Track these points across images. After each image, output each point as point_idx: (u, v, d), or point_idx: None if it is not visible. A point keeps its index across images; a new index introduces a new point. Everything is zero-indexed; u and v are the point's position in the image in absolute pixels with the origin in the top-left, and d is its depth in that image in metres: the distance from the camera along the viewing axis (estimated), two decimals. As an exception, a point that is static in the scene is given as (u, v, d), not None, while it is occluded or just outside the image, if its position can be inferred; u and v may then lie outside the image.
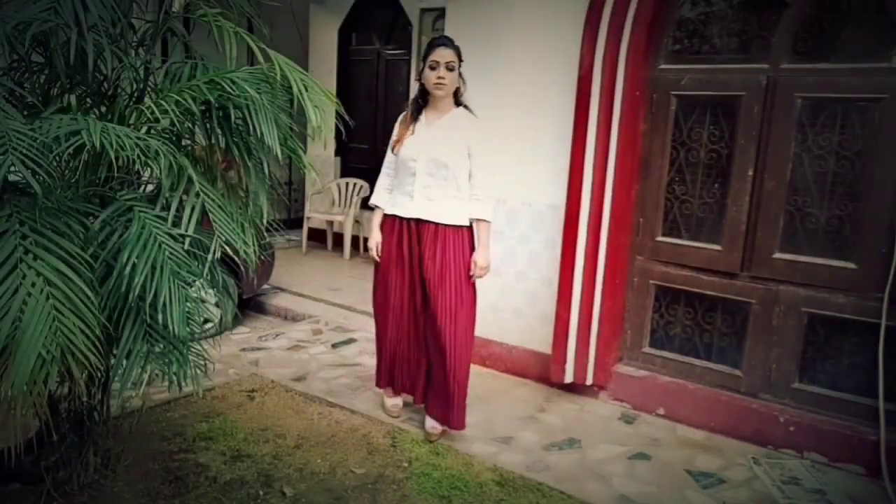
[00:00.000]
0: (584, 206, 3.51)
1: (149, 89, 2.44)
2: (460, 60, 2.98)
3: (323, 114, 2.30)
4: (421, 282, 3.05)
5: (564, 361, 3.63)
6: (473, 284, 3.05)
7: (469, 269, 3.00)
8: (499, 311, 3.98)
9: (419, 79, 3.03)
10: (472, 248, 3.04)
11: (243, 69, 2.29)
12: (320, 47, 7.32)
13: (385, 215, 3.14)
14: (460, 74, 3.01)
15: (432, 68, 2.94)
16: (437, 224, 2.99)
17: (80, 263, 1.95)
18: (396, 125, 3.12)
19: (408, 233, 3.05)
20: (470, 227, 3.04)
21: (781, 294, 3.24)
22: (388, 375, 3.29)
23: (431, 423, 3.15)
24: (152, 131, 2.34)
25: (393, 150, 3.09)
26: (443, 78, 2.93)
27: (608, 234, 3.56)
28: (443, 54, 2.93)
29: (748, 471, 3.01)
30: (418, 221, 3.02)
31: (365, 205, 6.67)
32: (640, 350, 3.71)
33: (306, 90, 2.25)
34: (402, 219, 3.06)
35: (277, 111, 2.28)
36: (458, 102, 3.06)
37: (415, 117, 3.06)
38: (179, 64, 2.44)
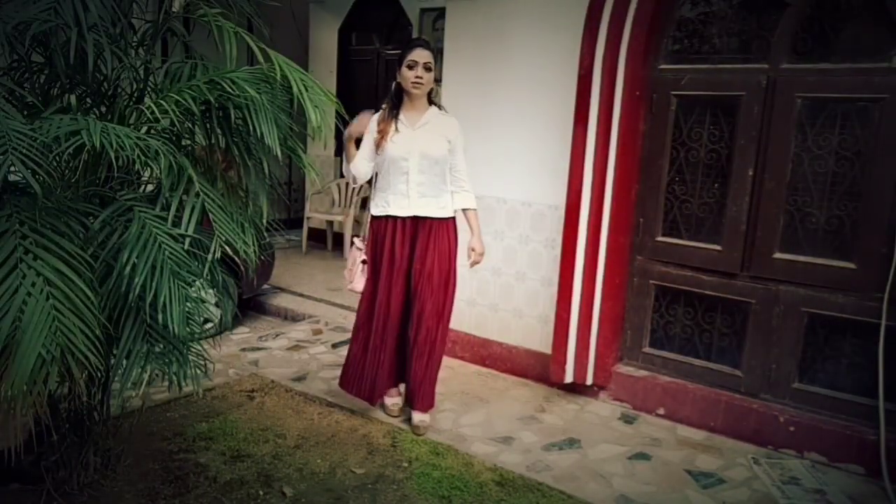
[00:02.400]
0: (584, 206, 3.51)
1: (149, 89, 2.44)
2: (435, 63, 3.07)
3: (323, 114, 2.30)
4: (407, 276, 3.13)
5: (564, 361, 3.63)
6: (455, 271, 3.18)
7: (454, 255, 3.14)
8: (499, 311, 3.98)
9: (396, 80, 3.08)
10: (455, 237, 3.17)
11: (243, 69, 2.29)
12: (320, 47, 7.32)
13: (374, 217, 3.16)
14: (435, 78, 3.09)
15: (410, 67, 3.00)
16: (432, 218, 3.08)
17: (80, 263, 1.95)
18: (371, 123, 3.11)
19: (402, 231, 3.10)
20: (454, 218, 3.17)
21: (781, 294, 3.24)
22: (389, 377, 3.28)
23: (419, 417, 3.21)
24: (152, 131, 2.34)
25: (377, 149, 3.07)
26: (420, 77, 2.99)
27: (608, 234, 3.56)
28: (421, 55, 2.99)
29: (748, 471, 3.01)
30: (415, 218, 3.08)
31: (365, 205, 6.69)
32: (640, 350, 3.71)
33: (306, 90, 2.25)
34: (397, 218, 3.09)
35: (277, 111, 2.28)
36: (430, 102, 3.14)
37: (394, 117, 3.08)
38: (179, 64, 2.44)
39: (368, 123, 3.12)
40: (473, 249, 3.19)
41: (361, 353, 3.24)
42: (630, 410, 3.59)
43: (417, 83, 3.00)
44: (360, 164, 3.13)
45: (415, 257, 3.11)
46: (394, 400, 3.36)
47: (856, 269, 3.05)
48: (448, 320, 3.21)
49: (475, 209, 3.21)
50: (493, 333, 4.01)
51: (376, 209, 3.15)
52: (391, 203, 3.09)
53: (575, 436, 3.26)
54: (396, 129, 3.06)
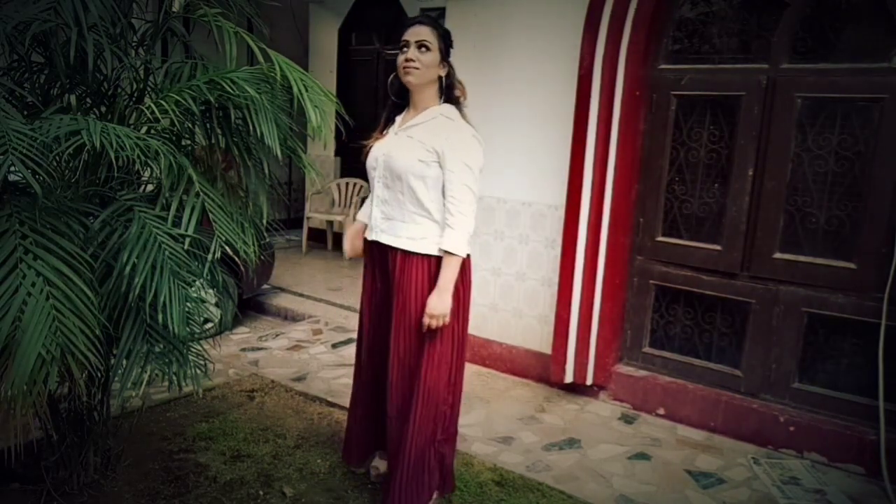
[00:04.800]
0: (584, 206, 3.51)
1: (149, 89, 2.44)
2: (446, 44, 2.36)
3: (323, 114, 2.29)
4: (385, 321, 2.49)
5: (564, 361, 3.63)
6: (452, 332, 2.40)
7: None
8: (499, 311, 3.98)
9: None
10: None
11: (243, 69, 2.29)
12: (320, 47, 7.32)
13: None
14: (448, 63, 2.38)
15: (401, 50, 2.32)
16: (398, 250, 2.37)
17: (80, 263, 1.95)
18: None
19: (371, 259, 2.52)
20: (439, 258, 2.35)
21: (781, 294, 3.24)
22: (363, 444, 2.70)
23: None
24: (152, 131, 2.34)
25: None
26: (412, 60, 2.29)
27: (608, 234, 3.56)
28: (415, 32, 2.30)
29: (748, 471, 3.01)
30: (380, 246, 2.44)
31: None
32: (640, 350, 3.71)
33: (306, 90, 2.25)
34: (368, 241, 2.52)
35: (277, 111, 2.28)
36: (449, 98, 2.41)
37: (390, 119, 2.50)
38: (179, 64, 2.44)
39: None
40: (427, 306, 2.30)
41: (352, 403, 2.73)
42: (630, 410, 3.59)
43: (409, 67, 2.30)
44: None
45: (390, 300, 2.43)
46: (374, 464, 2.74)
47: (856, 269, 3.05)
48: (432, 399, 2.37)
49: (455, 255, 2.28)
50: (493, 333, 4.01)
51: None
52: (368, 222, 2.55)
53: (575, 436, 3.26)
54: (385, 134, 2.48)
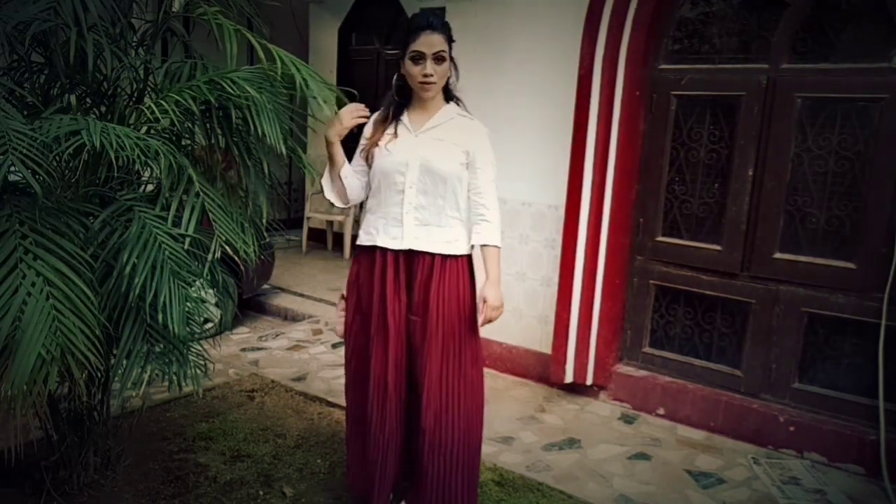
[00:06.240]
0: (584, 206, 3.51)
1: (149, 89, 2.44)
2: (451, 43, 2.27)
3: (329, 97, 2.27)
4: (406, 334, 2.36)
5: (564, 361, 3.63)
6: (475, 328, 2.36)
7: (469, 309, 2.32)
8: (499, 311, 3.98)
9: (400, 72, 2.31)
10: (471, 281, 2.38)
11: (243, 69, 2.29)
12: (320, 47, 7.32)
13: (361, 248, 2.42)
14: (452, 60, 2.29)
15: (415, 61, 2.21)
16: (434, 255, 2.30)
17: (80, 263, 1.95)
18: (368, 126, 2.38)
19: (394, 270, 2.33)
20: (469, 256, 2.38)
21: (781, 294, 3.24)
22: (394, 476, 2.44)
23: None
24: (152, 131, 2.34)
25: (367, 158, 2.37)
26: (430, 75, 2.21)
27: (608, 234, 3.57)
28: (429, 41, 2.19)
29: (748, 471, 3.01)
30: (410, 253, 2.32)
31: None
32: (640, 350, 3.71)
33: (307, 86, 2.24)
34: (386, 252, 2.33)
35: (278, 109, 2.27)
36: (448, 97, 2.38)
37: (395, 118, 2.36)
38: (179, 64, 2.44)
39: (361, 115, 2.32)
40: (485, 301, 2.26)
41: (355, 438, 2.47)
42: (630, 410, 3.59)
43: (427, 83, 2.23)
44: (348, 179, 2.40)
45: (412, 308, 2.32)
46: None
47: (856, 269, 3.05)
48: (475, 396, 2.34)
49: (498, 247, 2.31)
50: (492, 333, 4.00)
51: (362, 237, 2.41)
52: (381, 230, 2.34)
53: (575, 436, 3.26)
54: (396, 133, 2.33)
